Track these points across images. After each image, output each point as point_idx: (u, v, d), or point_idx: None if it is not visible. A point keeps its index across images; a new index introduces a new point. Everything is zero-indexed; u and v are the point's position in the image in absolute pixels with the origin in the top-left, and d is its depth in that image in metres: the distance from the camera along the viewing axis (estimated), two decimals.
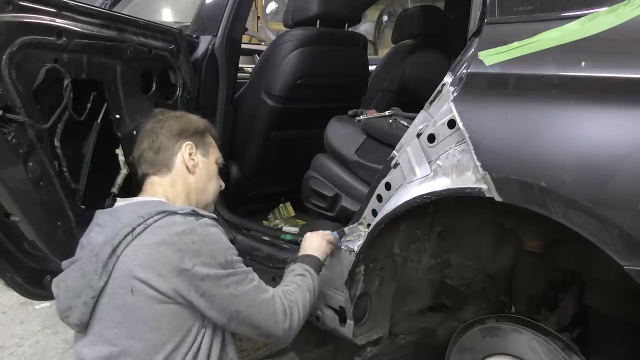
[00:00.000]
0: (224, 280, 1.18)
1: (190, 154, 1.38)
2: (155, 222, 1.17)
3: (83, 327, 1.21)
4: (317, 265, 1.48)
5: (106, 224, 1.25)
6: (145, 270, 1.14)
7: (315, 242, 1.53)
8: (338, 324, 1.61)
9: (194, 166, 1.38)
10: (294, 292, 1.34)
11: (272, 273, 1.82)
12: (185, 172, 1.37)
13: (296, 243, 1.64)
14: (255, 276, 1.28)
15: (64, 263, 1.27)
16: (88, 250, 1.21)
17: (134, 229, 1.16)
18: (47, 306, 2.67)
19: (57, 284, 1.25)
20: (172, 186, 1.35)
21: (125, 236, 1.16)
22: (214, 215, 1.29)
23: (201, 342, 1.21)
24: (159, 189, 1.34)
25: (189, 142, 1.38)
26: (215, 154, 1.47)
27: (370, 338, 1.62)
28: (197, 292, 1.16)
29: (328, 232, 1.56)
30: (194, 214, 1.21)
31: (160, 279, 1.13)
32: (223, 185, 1.51)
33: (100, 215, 1.30)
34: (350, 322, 1.57)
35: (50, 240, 1.43)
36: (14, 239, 1.53)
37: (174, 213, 1.19)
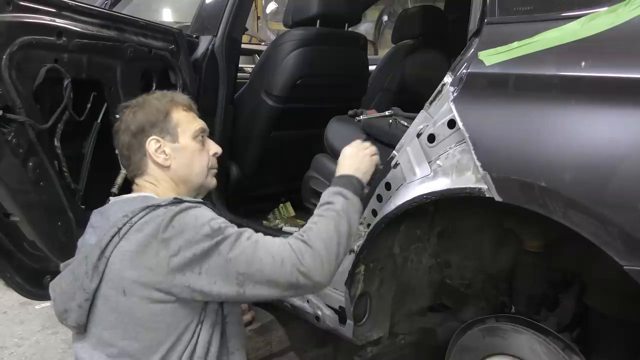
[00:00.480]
0: (215, 248, 1.13)
1: (157, 149, 1.29)
2: (139, 219, 1.15)
3: (82, 329, 1.21)
4: (354, 184, 1.28)
5: (97, 225, 1.24)
6: (135, 268, 1.12)
7: (353, 158, 1.34)
8: (338, 324, 1.61)
9: (166, 159, 1.30)
10: (311, 227, 1.19)
11: None
12: (160, 169, 1.31)
13: None
14: (253, 234, 1.18)
15: (61, 266, 1.27)
16: (82, 252, 1.21)
17: (119, 229, 1.15)
18: (47, 306, 2.66)
19: (53, 287, 1.25)
20: (157, 184, 1.31)
21: (112, 237, 1.14)
22: (198, 199, 1.25)
23: (198, 338, 1.19)
24: (146, 185, 1.32)
25: (153, 137, 1.28)
26: (188, 131, 1.32)
27: (370, 338, 1.62)
28: (194, 272, 1.11)
29: (368, 143, 1.39)
30: (175, 202, 1.18)
31: (151, 274, 1.12)
32: (219, 150, 1.40)
33: (94, 216, 1.29)
34: (350, 322, 1.57)
35: (50, 240, 1.43)
36: (14, 239, 1.53)
37: (157, 206, 1.17)
